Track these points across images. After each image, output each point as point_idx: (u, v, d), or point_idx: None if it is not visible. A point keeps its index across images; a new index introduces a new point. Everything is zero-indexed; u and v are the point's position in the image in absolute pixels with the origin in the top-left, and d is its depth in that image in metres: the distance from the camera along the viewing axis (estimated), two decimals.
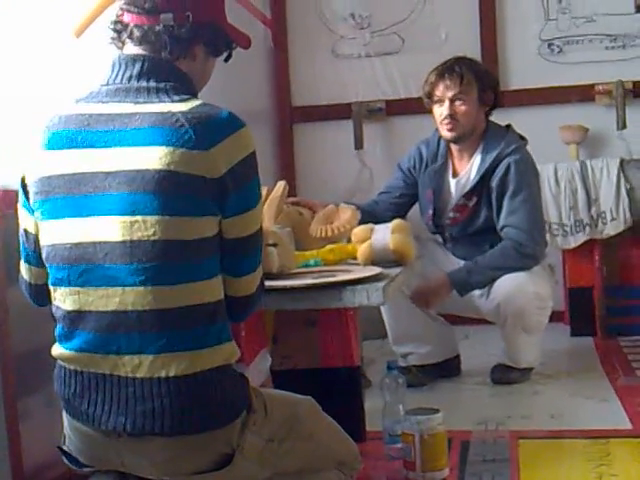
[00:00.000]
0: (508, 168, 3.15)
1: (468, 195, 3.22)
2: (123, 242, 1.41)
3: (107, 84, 1.53)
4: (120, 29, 1.57)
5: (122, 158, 1.43)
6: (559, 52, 4.30)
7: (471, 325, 3.72)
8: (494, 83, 3.29)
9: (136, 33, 1.54)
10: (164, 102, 1.46)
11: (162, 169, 1.40)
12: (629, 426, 2.64)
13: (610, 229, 3.85)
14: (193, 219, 1.43)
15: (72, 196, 1.45)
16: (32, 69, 2.23)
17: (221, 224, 1.48)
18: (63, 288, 1.48)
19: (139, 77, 1.51)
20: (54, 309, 1.52)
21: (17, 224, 1.61)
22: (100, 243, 1.43)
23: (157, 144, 1.41)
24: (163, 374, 1.42)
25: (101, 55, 2.14)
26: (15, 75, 2.17)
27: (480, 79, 3.19)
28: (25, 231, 1.58)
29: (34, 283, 1.61)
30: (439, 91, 3.18)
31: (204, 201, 1.43)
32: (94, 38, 1.75)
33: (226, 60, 1.68)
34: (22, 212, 1.58)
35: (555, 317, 3.40)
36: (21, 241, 1.60)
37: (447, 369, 3.32)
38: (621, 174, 3.84)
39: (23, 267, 1.62)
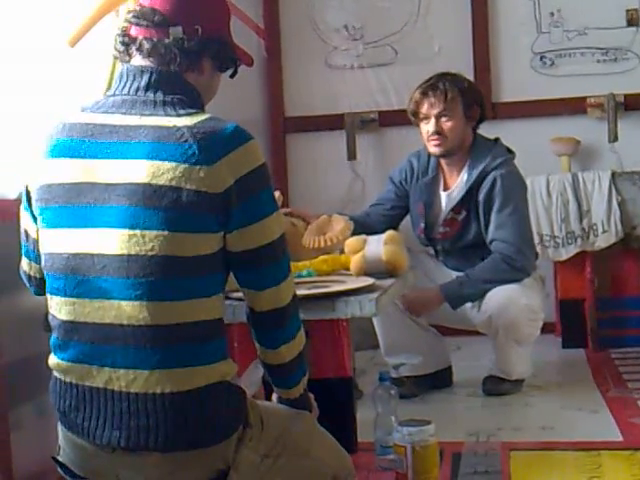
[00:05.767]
0: (494, 182, 3.15)
1: (457, 209, 3.23)
2: (120, 256, 1.40)
3: (114, 94, 1.51)
4: (128, 42, 1.55)
5: (124, 171, 1.41)
6: (551, 65, 4.32)
7: (463, 336, 3.72)
8: (479, 97, 3.28)
9: (145, 45, 1.52)
10: (170, 116, 1.45)
11: (164, 184, 1.39)
12: (620, 438, 2.64)
13: (601, 241, 3.86)
14: (193, 235, 1.41)
15: (72, 206, 1.44)
16: (26, 79, 2.23)
17: (225, 239, 1.46)
18: (59, 298, 1.47)
19: (146, 89, 1.50)
20: (50, 317, 1.51)
21: (8, 236, 1.60)
22: (97, 255, 1.42)
23: (160, 159, 1.40)
24: (158, 390, 1.41)
25: (97, 65, 2.15)
26: (7, 85, 2.17)
27: (464, 94, 3.19)
28: (25, 231, 1.58)
29: (33, 275, 1.61)
30: (424, 109, 3.18)
31: (205, 218, 1.41)
32: (90, 48, 1.75)
33: (232, 76, 1.67)
34: (24, 214, 1.57)
35: (546, 329, 3.40)
36: (22, 237, 1.60)
37: (439, 380, 3.32)
38: (612, 186, 3.86)
39: (23, 260, 1.62)
